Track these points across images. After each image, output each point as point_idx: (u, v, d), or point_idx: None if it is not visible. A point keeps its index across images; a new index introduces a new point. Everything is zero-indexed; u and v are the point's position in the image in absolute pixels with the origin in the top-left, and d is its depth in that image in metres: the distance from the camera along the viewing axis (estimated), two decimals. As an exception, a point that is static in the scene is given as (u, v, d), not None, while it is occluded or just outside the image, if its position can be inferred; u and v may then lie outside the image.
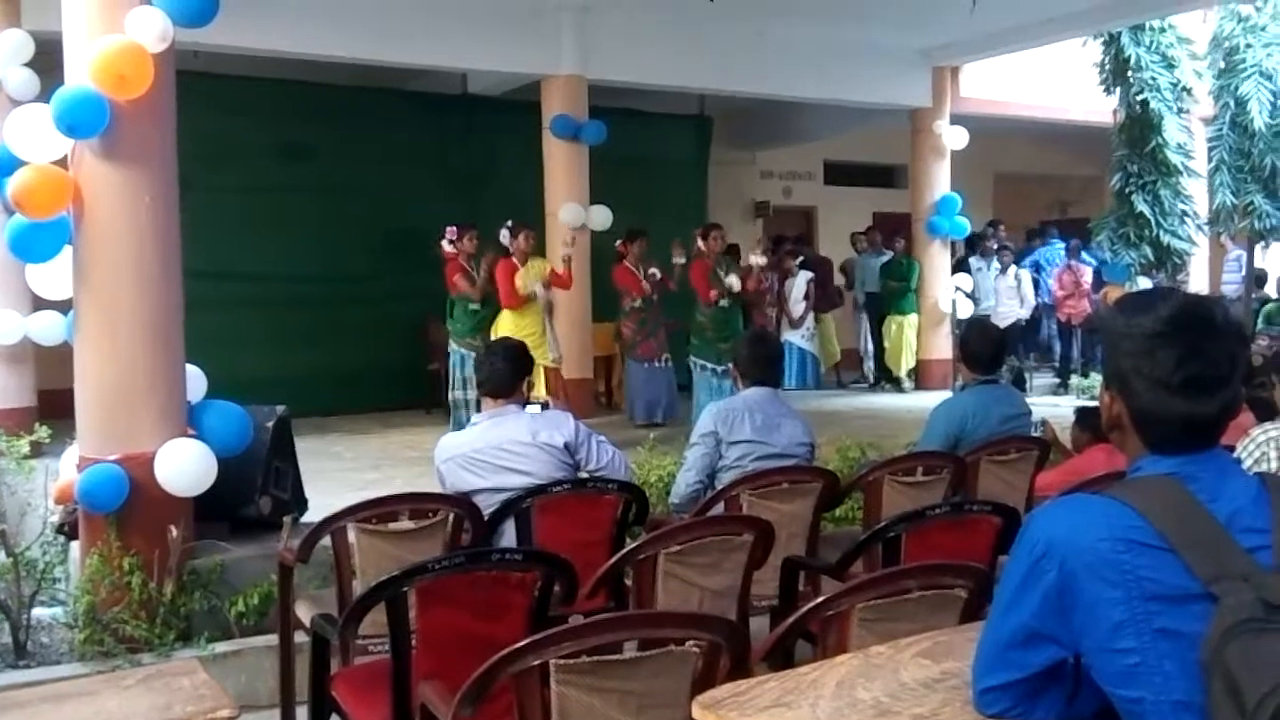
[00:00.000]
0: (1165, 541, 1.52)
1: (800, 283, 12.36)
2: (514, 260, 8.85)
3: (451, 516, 3.86)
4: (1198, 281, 13.88)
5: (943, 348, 12.43)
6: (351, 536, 3.77)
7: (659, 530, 3.52)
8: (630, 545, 3.50)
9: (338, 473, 7.33)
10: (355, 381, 10.65)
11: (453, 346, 9.05)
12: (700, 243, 9.46)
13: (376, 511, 3.78)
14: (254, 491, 5.40)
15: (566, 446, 4.18)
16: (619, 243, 9.91)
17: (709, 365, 9.15)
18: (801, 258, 12.66)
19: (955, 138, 12.45)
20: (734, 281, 9.31)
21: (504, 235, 8.95)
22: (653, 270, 9.60)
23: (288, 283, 10.59)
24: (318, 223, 10.75)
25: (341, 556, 3.78)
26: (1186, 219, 11.47)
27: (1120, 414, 1.67)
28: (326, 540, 3.81)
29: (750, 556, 3.51)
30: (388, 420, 10.10)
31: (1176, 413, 1.60)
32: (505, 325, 8.76)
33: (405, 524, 3.78)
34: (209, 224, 9.09)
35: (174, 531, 4.74)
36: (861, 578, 2.77)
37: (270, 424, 5.55)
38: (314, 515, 5.04)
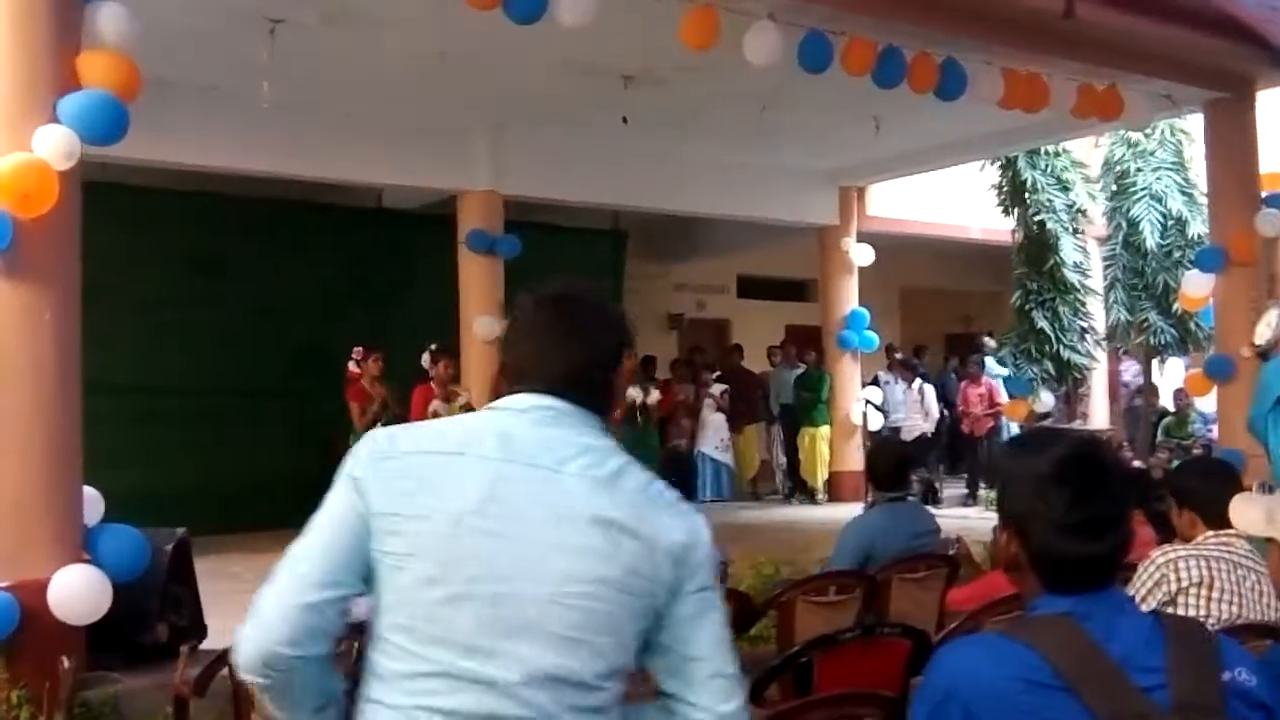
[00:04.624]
0: (1063, 681, 1.54)
1: (714, 395, 12.44)
2: (432, 386, 8.70)
3: (356, 646, 3.75)
4: (1098, 395, 14.28)
5: (855, 459, 12.52)
6: (251, 667, 3.63)
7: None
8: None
9: (239, 595, 6.97)
10: (258, 498, 10.22)
11: None
12: None
13: (278, 642, 3.65)
14: (150, 618, 5.21)
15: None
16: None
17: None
18: (718, 372, 12.79)
19: (862, 254, 12.79)
20: (636, 394, 9.28)
21: (425, 359, 8.81)
22: None
23: (191, 396, 10.32)
24: (224, 335, 10.51)
25: (240, 691, 3.64)
26: (1085, 335, 11.87)
27: (1017, 553, 1.70)
28: (226, 672, 3.67)
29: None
30: (292, 539, 9.75)
31: (1070, 553, 1.63)
32: None
33: (308, 654, 3.65)
34: (113, 336, 8.87)
35: (66, 662, 4.55)
36: (773, 709, 2.75)
37: (169, 547, 5.38)
38: (214, 643, 4.86)
